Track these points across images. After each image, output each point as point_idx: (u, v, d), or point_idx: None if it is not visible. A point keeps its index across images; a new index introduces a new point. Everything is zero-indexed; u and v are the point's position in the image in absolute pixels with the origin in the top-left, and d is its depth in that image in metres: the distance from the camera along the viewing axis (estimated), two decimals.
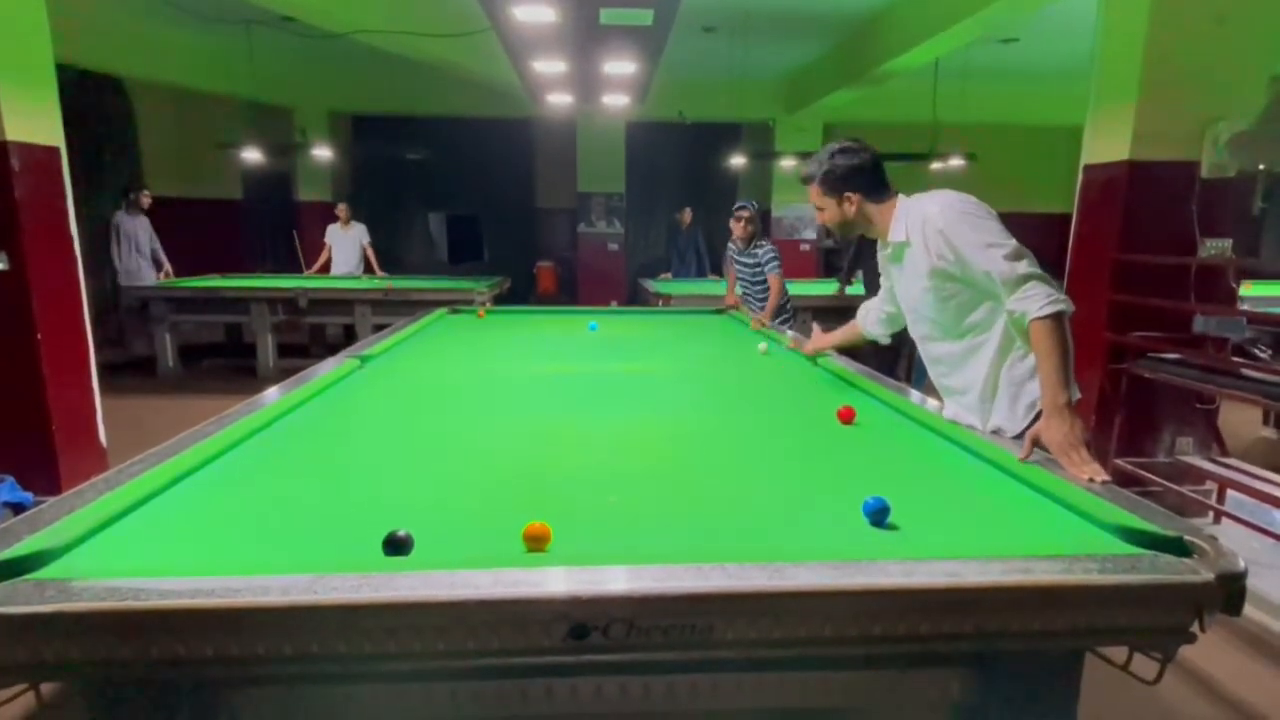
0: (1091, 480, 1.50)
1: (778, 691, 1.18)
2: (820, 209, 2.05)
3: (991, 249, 1.75)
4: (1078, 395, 1.75)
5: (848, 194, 1.97)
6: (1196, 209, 3.50)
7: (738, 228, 4.66)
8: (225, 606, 0.98)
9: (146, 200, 7.08)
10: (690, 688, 1.16)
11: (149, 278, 7.03)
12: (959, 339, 1.93)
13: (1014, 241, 1.77)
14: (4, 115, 3.19)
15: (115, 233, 7.04)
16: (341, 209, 7.47)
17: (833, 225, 2.05)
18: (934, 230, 1.83)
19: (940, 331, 1.97)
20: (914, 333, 2.09)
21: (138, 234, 7.03)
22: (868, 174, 1.97)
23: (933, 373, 2.09)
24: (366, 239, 7.45)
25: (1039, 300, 1.70)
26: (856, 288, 6.06)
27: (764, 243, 4.71)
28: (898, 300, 2.14)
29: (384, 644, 1.00)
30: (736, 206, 4.70)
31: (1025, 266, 1.73)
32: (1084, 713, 1.22)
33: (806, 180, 2.05)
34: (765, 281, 4.66)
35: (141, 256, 7.03)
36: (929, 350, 2.05)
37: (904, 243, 1.93)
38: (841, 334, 2.66)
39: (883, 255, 2.08)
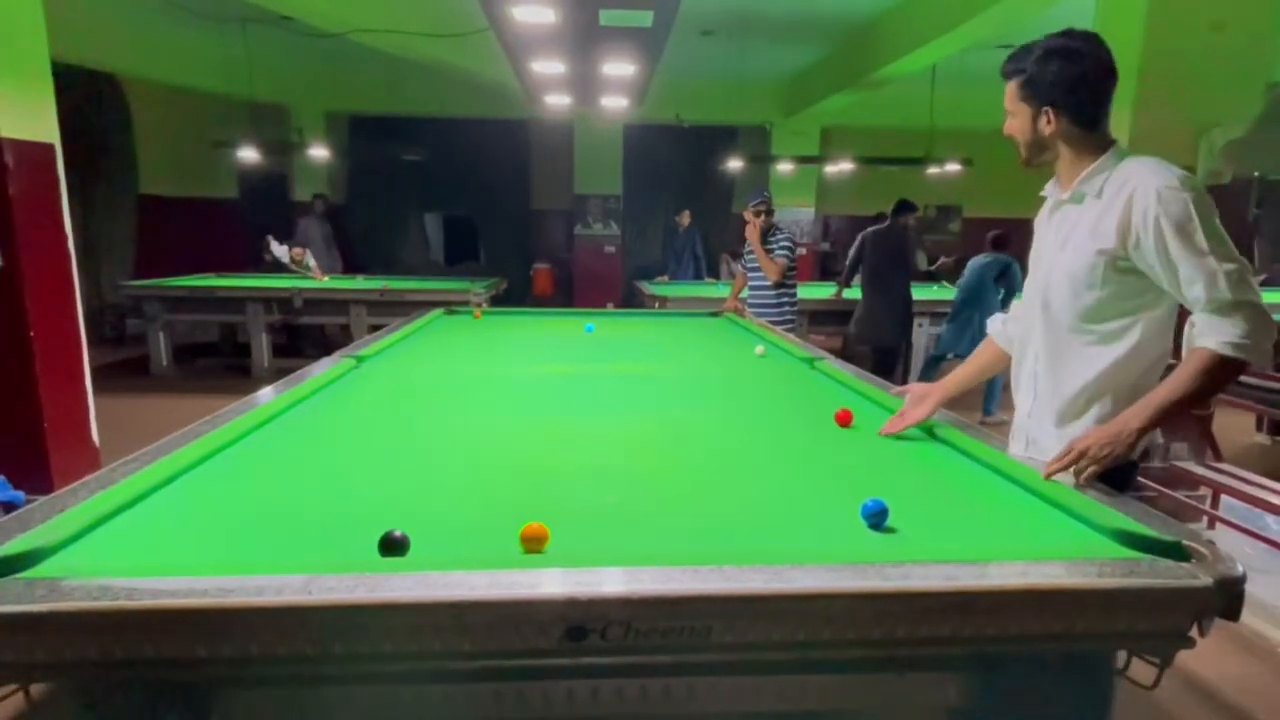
0: (1083, 481, 1.44)
1: (776, 694, 1.17)
2: (1010, 114, 1.63)
3: (1209, 254, 1.42)
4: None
5: (1049, 108, 1.56)
6: None
7: (755, 223, 4.56)
8: (219, 606, 0.97)
9: (321, 205, 8.24)
10: (688, 690, 1.15)
11: (331, 269, 7.87)
12: (1075, 334, 1.61)
13: (1237, 256, 1.44)
14: None
15: (303, 234, 7.96)
16: (298, 252, 7.47)
17: (1019, 140, 1.63)
18: (1149, 208, 1.45)
19: (1065, 315, 1.61)
20: (1031, 306, 1.71)
21: (316, 234, 8.02)
22: (1082, 91, 1.54)
23: (1029, 363, 1.74)
24: (314, 263, 7.52)
25: (1226, 333, 1.41)
26: (855, 291, 6.06)
27: (779, 233, 4.67)
28: (1031, 262, 1.75)
29: (379, 645, 0.99)
30: (754, 203, 4.57)
31: (1239, 291, 1.41)
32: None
33: (1006, 75, 1.62)
34: (774, 289, 4.61)
35: (319, 254, 7.80)
36: (1036, 334, 1.70)
37: (1095, 196, 1.56)
38: (963, 375, 1.96)
39: (1047, 207, 1.71)
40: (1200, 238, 1.43)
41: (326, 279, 7.30)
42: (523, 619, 1.00)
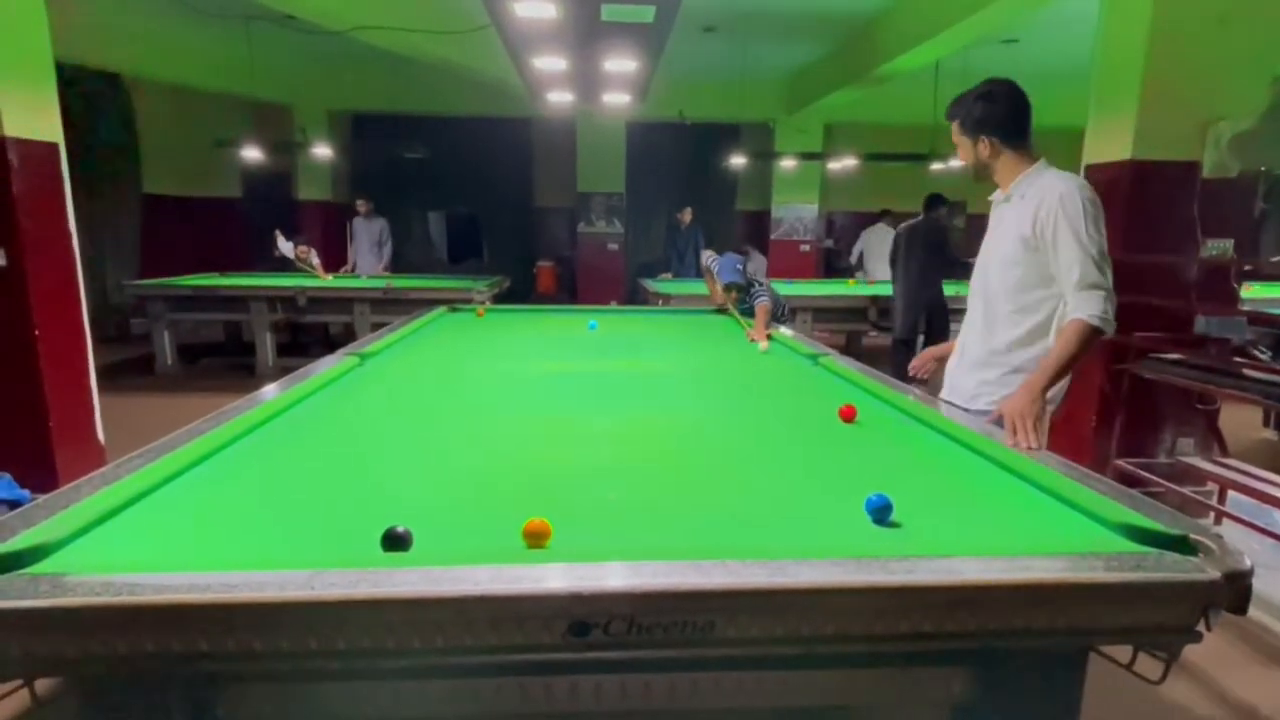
0: (1030, 448, 1.69)
1: (779, 690, 1.17)
2: (959, 147, 2.14)
3: (1086, 248, 1.91)
4: (1055, 404, 2.02)
5: (983, 138, 2.07)
6: (1198, 209, 3.50)
7: (730, 298, 4.22)
8: (222, 602, 0.97)
9: (362, 207, 8.26)
10: (691, 686, 1.15)
11: (367, 269, 8.06)
12: (1004, 304, 2.11)
13: (1107, 256, 1.95)
14: (3, 111, 3.18)
15: (349, 234, 8.32)
16: (303, 250, 7.52)
17: (967, 164, 2.15)
18: (1053, 205, 1.95)
19: (997, 288, 2.13)
20: (974, 285, 2.26)
21: (360, 235, 8.26)
22: (1006, 121, 2.06)
23: (964, 330, 2.29)
24: (317, 260, 7.59)
25: (1094, 309, 1.90)
26: (862, 287, 6.04)
27: (756, 284, 4.18)
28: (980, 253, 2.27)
29: (382, 640, 0.99)
30: (725, 281, 4.17)
31: (1102, 278, 1.92)
32: (1087, 713, 1.21)
33: (949, 118, 2.15)
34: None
35: (359, 254, 8.20)
36: (975, 305, 2.23)
37: (1020, 197, 2.05)
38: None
39: (993, 210, 2.22)
40: (1084, 233, 1.92)
41: (329, 277, 7.32)
42: (526, 614, 0.99)
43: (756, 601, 1.03)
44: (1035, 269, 2.02)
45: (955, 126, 2.12)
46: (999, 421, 1.89)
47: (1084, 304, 1.91)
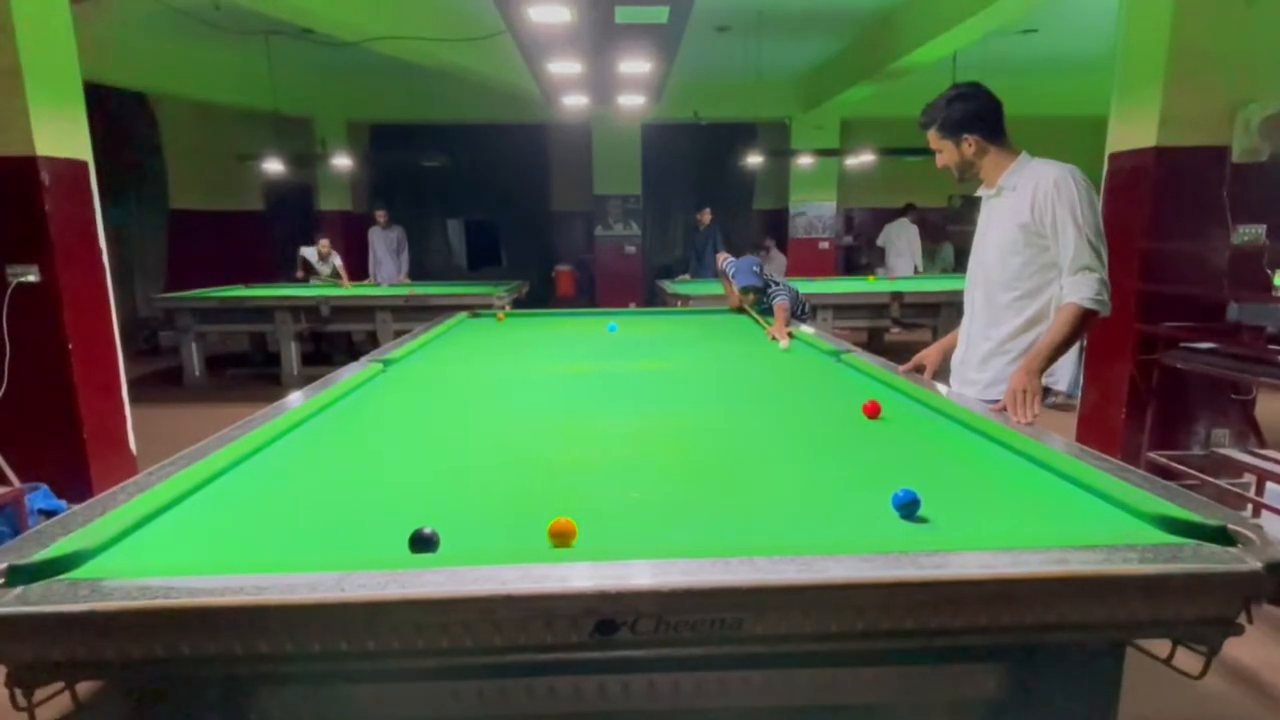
0: (1027, 421, 1.84)
1: (808, 687, 1.16)
2: (939, 151, 2.19)
3: (1082, 231, 1.99)
4: (1060, 389, 2.15)
5: (965, 136, 2.13)
6: (1228, 194, 3.42)
7: (747, 300, 4.17)
8: (254, 604, 0.98)
9: (380, 218, 8.46)
10: (719, 684, 1.14)
11: (387, 278, 8.35)
12: (1006, 293, 2.17)
13: (1103, 238, 2.02)
14: (34, 131, 3.26)
15: (370, 245, 8.53)
16: (324, 245, 7.90)
17: (952, 166, 2.19)
18: (1049, 190, 2.02)
19: (997, 279, 2.19)
20: (972, 278, 2.32)
21: (376, 245, 8.48)
22: (984, 118, 2.12)
23: (966, 322, 2.34)
24: (339, 261, 7.86)
25: (1089, 291, 1.97)
26: (881, 283, 5.99)
27: (774, 284, 4.17)
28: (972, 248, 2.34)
29: (412, 640, 1.00)
30: (741, 284, 4.14)
31: (1096, 261, 1.99)
32: (1125, 710, 1.19)
33: (924, 126, 2.19)
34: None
35: (378, 263, 8.48)
36: (975, 297, 2.30)
37: (1011, 189, 2.12)
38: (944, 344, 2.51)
39: (982, 206, 2.28)
40: (1080, 218, 2.00)
41: (350, 286, 7.42)
42: (553, 613, 0.99)
43: (785, 598, 1.02)
44: (1035, 255, 2.10)
45: (932, 133, 2.17)
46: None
47: (1077, 287, 1.99)
